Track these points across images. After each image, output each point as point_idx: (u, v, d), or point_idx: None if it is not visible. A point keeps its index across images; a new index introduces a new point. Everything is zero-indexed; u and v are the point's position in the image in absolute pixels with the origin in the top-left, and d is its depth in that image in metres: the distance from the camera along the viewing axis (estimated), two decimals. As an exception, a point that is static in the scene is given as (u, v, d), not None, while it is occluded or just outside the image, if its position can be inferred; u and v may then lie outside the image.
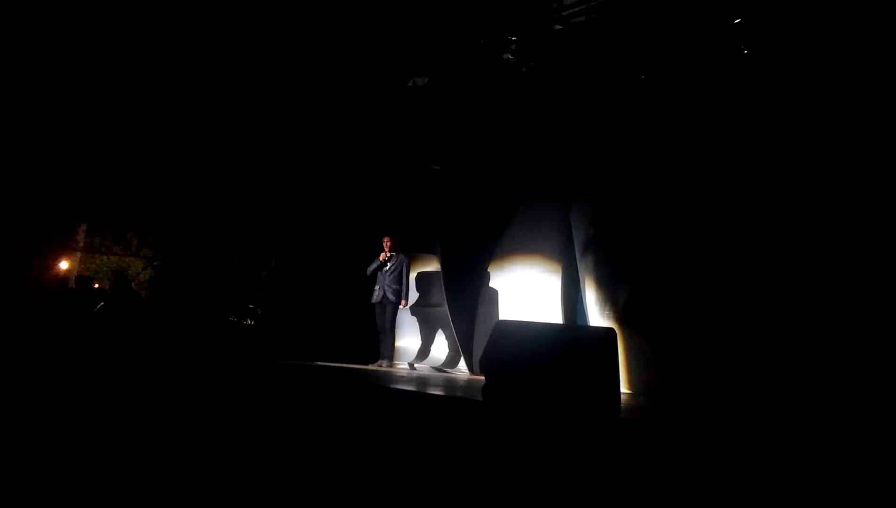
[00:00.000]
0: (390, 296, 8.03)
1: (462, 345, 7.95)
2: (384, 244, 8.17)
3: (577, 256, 6.97)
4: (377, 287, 8.12)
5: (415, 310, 8.78)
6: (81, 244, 17.12)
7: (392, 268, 8.11)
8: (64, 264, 15.99)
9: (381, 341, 8.13)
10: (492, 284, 8.05)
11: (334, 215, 9.82)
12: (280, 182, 10.24)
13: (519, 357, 3.61)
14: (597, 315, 6.51)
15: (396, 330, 8.63)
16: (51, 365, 6.18)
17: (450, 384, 5.74)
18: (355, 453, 3.70)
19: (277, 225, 10.65)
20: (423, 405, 4.02)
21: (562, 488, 2.93)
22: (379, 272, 8.15)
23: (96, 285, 14.17)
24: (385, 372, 7.08)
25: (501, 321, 4.08)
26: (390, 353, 8.12)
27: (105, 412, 4.73)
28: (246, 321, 13.34)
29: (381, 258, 8.10)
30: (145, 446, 3.89)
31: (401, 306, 8.18)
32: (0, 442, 3.76)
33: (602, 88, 7.03)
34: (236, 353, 8.41)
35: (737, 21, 5.89)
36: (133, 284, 15.29)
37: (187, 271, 10.94)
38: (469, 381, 6.41)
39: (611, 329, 3.68)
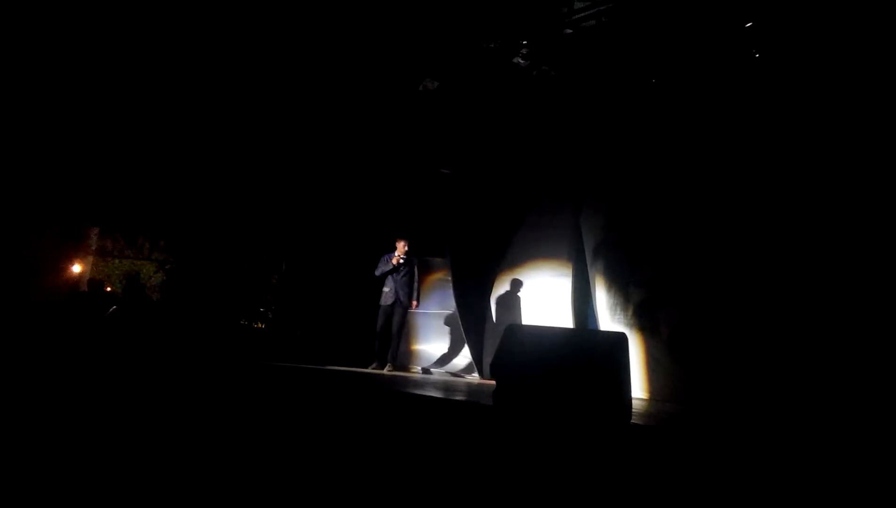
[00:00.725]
0: (402, 299, 7.92)
1: (472, 350, 7.94)
2: (398, 247, 8.02)
3: (588, 260, 6.95)
4: (387, 290, 7.98)
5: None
6: (94, 248, 17.23)
7: (404, 271, 8.00)
8: (76, 268, 16.09)
9: (385, 344, 7.95)
10: (505, 288, 8.02)
11: (344, 218, 9.84)
12: (290, 186, 10.28)
13: (529, 362, 3.60)
14: (608, 320, 6.49)
15: (410, 335, 8.59)
16: (63, 367, 6.22)
17: (460, 388, 5.73)
18: (363, 455, 3.69)
19: (288, 229, 10.68)
20: (435, 410, 4.01)
21: (571, 492, 2.91)
22: (389, 276, 8.02)
23: (108, 289, 14.25)
24: (397, 376, 7.06)
25: (511, 325, 4.07)
26: (395, 356, 7.98)
27: (115, 414, 4.76)
28: (257, 324, 13.38)
29: (394, 262, 7.96)
30: (154, 449, 3.91)
31: (412, 309, 8.10)
32: (7, 443, 3.79)
33: (613, 92, 7.02)
34: (247, 356, 8.44)
35: (748, 25, 5.86)
36: (145, 287, 15.38)
37: (198, 275, 11.00)
38: (479, 385, 6.40)
39: (622, 334, 3.66)
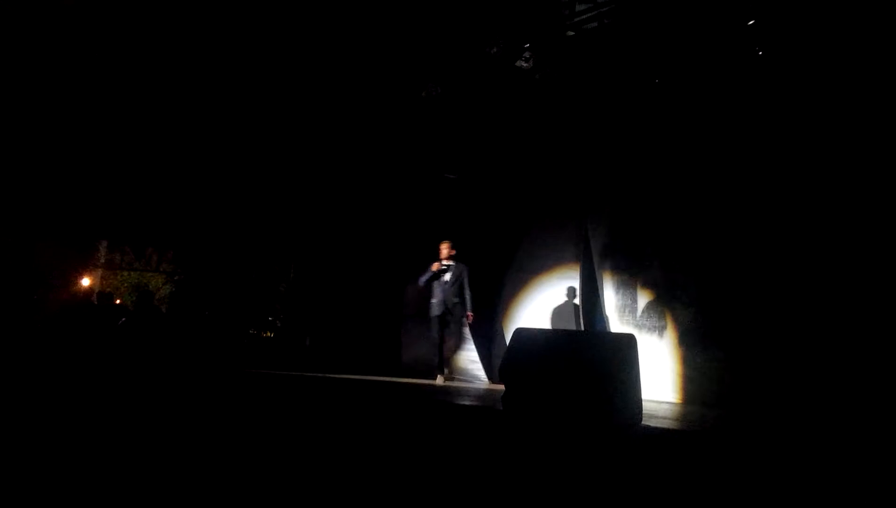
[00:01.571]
0: (452, 309, 7.20)
1: (480, 354, 7.90)
2: (441, 251, 7.25)
3: (596, 261, 6.92)
4: (435, 300, 7.22)
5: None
6: (102, 261, 17.33)
7: (452, 279, 7.20)
8: (86, 281, 16.18)
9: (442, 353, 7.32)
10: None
11: (350, 225, 9.84)
12: (296, 195, 10.30)
13: (537, 365, 3.59)
14: (617, 321, 6.47)
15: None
16: (76, 377, 6.24)
17: (471, 393, 5.72)
18: (372, 460, 3.69)
19: (295, 237, 10.70)
20: (446, 415, 4.00)
21: (581, 495, 2.90)
22: (436, 283, 7.24)
23: (118, 301, 14.32)
24: (407, 384, 7.01)
25: (520, 328, 4.05)
26: (442, 367, 7.31)
27: (127, 425, 4.77)
28: (265, 333, 13.40)
29: (433, 268, 7.18)
30: (165, 462, 3.91)
31: (468, 320, 7.39)
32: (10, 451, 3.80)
33: (616, 92, 7.00)
34: (256, 365, 8.44)
35: (750, 23, 5.84)
36: (153, 297, 15.45)
37: (207, 286, 11.03)
38: (489, 390, 6.38)
39: (630, 335, 3.64)
